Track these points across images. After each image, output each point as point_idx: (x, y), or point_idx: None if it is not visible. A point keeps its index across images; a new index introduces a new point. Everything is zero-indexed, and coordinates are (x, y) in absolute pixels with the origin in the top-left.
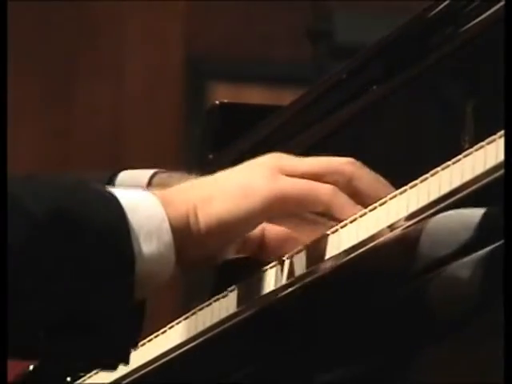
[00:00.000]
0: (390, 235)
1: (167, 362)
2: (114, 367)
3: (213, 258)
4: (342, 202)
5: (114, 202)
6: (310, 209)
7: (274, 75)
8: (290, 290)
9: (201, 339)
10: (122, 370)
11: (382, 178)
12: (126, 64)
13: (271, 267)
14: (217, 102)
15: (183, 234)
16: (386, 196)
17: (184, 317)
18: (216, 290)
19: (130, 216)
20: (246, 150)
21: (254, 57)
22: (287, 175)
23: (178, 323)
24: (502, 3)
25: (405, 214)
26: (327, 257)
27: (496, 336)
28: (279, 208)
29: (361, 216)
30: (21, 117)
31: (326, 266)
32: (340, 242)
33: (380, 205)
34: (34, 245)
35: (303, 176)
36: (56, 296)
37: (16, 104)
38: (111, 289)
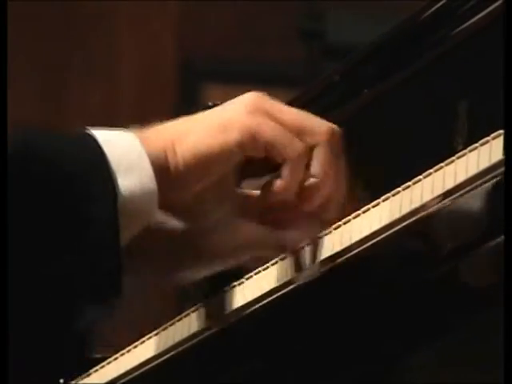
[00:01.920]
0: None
1: (141, 374)
2: (105, 303)
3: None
4: (300, 165)
5: (90, 138)
6: (272, 155)
7: (267, 76)
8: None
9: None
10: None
11: (343, 169)
12: (118, 65)
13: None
14: (210, 103)
15: (162, 168)
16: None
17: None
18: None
19: (108, 152)
20: None
21: (247, 57)
22: (268, 118)
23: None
24: (495, 4)
25: (398, 215)
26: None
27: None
28: (251, 146)
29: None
30: (11, 118)
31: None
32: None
33: (373, 206)
34: (8, 177)
35: (282, 124)
36: (36, 239)
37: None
38: (95, 226)
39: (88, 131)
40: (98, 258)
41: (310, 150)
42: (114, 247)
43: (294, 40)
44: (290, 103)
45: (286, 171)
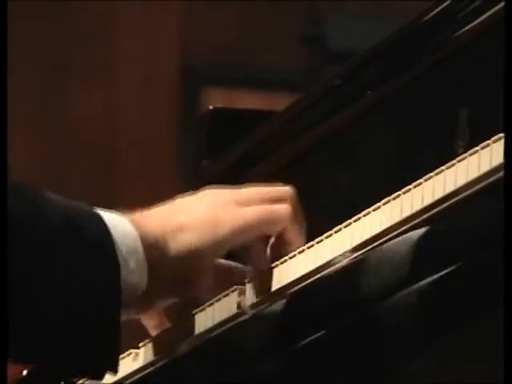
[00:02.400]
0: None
1: (148, 374)
2: (101, 376)
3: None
4: (299, 218)
5: (101, 220)
6: (272, 230)
7: (268, 80)
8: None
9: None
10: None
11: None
12: (119, 69)
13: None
14: (211, 108)
15: (154, 255)
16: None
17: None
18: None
19: (112, 232)
20: (240, 155)
21: (249, 62)
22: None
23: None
24: (495, 8)
25: (399, 218)
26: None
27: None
28: (245, 235)
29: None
30: (12, 122)
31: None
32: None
33: (374, 209)
34: (48, 249)
35: (256, 204)
36: (53, 299)
37: (8, 109)
38: (100, 298)
39: (97, 213)
40: (98, 331)
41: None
42: (115, 324)
43: (295, 45)
44: (292, 106)
45: (288, 233)
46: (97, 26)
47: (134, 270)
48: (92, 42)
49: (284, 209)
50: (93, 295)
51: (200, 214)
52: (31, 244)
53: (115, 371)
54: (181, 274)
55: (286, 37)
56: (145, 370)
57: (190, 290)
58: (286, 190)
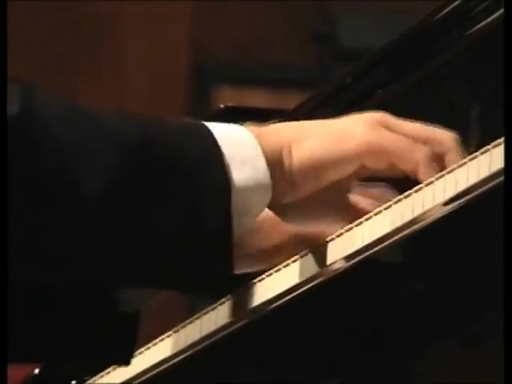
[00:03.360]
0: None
1: (159, 372)
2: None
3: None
4: (429, 169)
5: (205, 132)
6: (399, 165)
7: (279, 78)
8: (286, 299)
9: (191, 351)
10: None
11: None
12: (129, 68)
13: (267, 276)
14: (222, 106)
15: (276, 166)
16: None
17: (174, 329)
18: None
19: (223, 144)
20: None
21: (259, 60)
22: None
23: (168, 336)
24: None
25: (410, 217)
26: (328, 262)
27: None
28: (371, 157)
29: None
30: None
31: (326, 272)
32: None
33: (385, 208)
34: (125, 172)
35: (405, 135)
36: (146, 228)
37: None
38: (208, 218)
39: (203, 124)
40: (212, 250)
41: (440, 157)
42: (227, 240)
43: (305, 43)
44: (303, 105)
45: (421, 175)
46: (106, 24)
47: (253, 182)
48: (101, 40)
49: (420, 152)
50: (201, 214)
51: (330, 126)
52: (108, 172)
53: (229, 286)
54: (302, 192)
55: (297, 35)
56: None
57: (314, 211)
58: (447, 136)
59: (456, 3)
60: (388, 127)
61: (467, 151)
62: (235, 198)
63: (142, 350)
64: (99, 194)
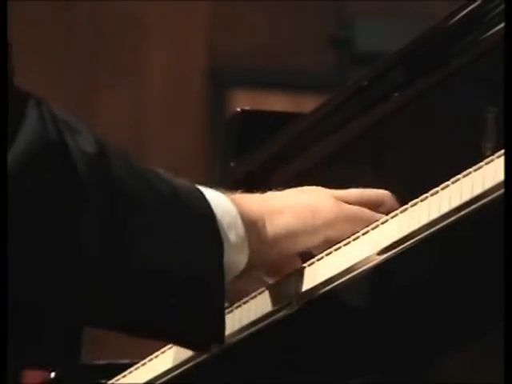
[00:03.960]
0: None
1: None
2: (208, 348)
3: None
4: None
5: (204, 196)
6: (359, 230)
7: (296, 82)
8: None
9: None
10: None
11: None
12: (147, 71)
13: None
14: (239, 110)
15: (252, 234)
16: None
17: None
18: None
19: (214, 208)
20: (267, 157)
21: (276, 64)
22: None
23: None
24: None
25: (426, 220)
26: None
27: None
28: (339, 228)
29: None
30: None
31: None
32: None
33: (401, 211)
34: (157, 219)
35: (356, 205)
36: (144, 281)
37: None
38: (202, 279)
39: (198, 189)
40: (205, 302)
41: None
42: (220, 300)
43: (322, 47)
44: (320, 108)
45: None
46: (124, 29)
47: (234, 246)
48: (120, 45)
49: (374, 216)
50: (198, 269)
51: (299, 200)
52: (141, 213)
53: (222, 342)
54: (274, 258)
55: (314, 39)
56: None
57: (275, 275)
58: (385, 194)
59: (472, 7)
60: (339, 199)
61: (483, 155)
62: (226, 255)
63: (158, 353)
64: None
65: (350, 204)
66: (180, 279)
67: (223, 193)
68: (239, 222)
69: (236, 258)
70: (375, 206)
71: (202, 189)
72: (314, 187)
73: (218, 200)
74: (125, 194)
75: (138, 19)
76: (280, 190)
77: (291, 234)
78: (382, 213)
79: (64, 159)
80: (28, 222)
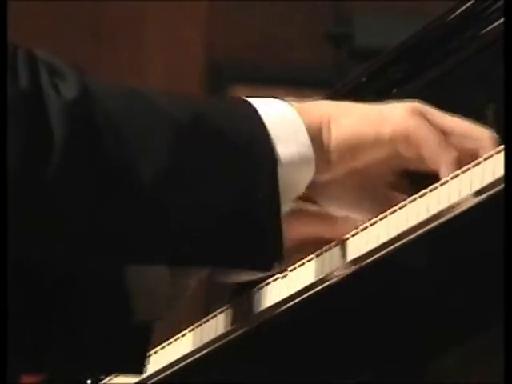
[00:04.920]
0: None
1: (178, 369)
2: (270, 268)
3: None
4: (450, 173)
5: (251, 110)
6: (425, 158)
7: (295, 78)
8: (293, 303)
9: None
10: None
11: None
12: (146, 67)
13: (274, 280)
14: None
15: (315, 141)
16: None
17: (189, 328)
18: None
19: (267, 122)
20: None
21: (275, 60)
22: (427, 122)
23: (183, 335)
24: None
25: (425, 216)
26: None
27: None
28: (404, 144)
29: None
30: None
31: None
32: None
33: (400, 207)
34: (179, 152)
35: (439, 127)
36: (199, 206)
37: None
38: (257, 196)
39: (248, 101)
40: (261, 224)
41: (471, 155)
42: (276, 216)
43: (321, 43)
44: None
45: (442, 175)
46: (124, 22)
47: (297, 159)
48: (118, 38)
49: (449, 154)
50: (250, 192)
51: (368, 108)
52: (160, 150)
53: (281, 261)
54: (337, 168)
55: (313, 35)
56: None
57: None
58: (485, 134)
59: (470, 3)
60: (427, 118)
61: None
62: (281, 174)
63: (157, 349)
64: (154, 178)
65: (436, 128)
66: (230, 208)
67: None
68: (302, 130)
69: (299, 171)
70: (467, 143)
71: (259, 101)
72: (401, 102)
73: (274, 111)
74: (117, 138)
75: (136, 16)
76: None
77: (354, 140)
78: (475, 151)
79: (35, 106)
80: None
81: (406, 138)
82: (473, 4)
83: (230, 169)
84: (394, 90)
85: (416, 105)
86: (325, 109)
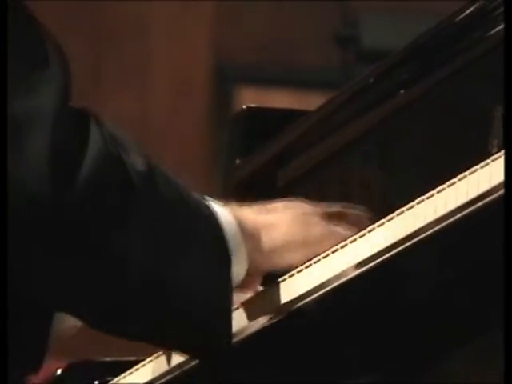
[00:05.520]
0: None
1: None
2: (215, 356)
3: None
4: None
5: (212, 210)
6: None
7: (302, 80)
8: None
9: None
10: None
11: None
12: (152, 69)
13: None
14: (244, 107)
15: (249, 246)
16: None
17: None
18: None
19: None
20: (273, 154)
21: (281, 61)
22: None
23: None
24: None
25: (433, 217)
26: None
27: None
28: (327, 243)
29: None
30: None
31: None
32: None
33: (407, 209)
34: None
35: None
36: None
37: None
38: (216, 285)
39: (208, 203)
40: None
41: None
42: (229, 300)
43: (328, 45)
44: (325, 105)
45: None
46: (130, 26)
47: (236, 257)
48: (125, 42)
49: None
50: (209, 282)
51: (291, 216)
52: (174, 232)
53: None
54: (268, 269)
55: (320, 36)
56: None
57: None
58: (362, 216)
59: (478, 3)
60: (320, 215)
61: (489, 152)
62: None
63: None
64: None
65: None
66: (190, 294)
67: (221, 204)
68: (238, 234)
69: (236, 268)
70: (351, 223)
71: (211, 204)
72: (297, 202)
73: (220, 213)
74: (165, 213)
75: (142, 18)
76: (265, 201)
77: (285, 247)
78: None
79: (124, 177)
80: (87, 235)
81: (329, 238)
82: (481, 4)
83: (199, 257)
84: (401, 91)
85: (313, 208)
86: (254, 217)
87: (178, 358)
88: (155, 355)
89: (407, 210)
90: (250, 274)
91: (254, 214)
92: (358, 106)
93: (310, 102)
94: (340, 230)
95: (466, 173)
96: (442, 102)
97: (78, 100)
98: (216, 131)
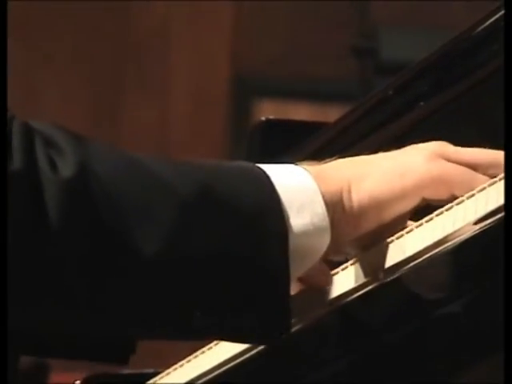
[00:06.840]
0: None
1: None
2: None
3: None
4: None
5: (263, 179)
6: (459, 195)
7: (320, 92)
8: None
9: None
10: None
11: None
12: (172, 81)
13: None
14: (263, 119)
15: (336, 209)
16: None
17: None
18: None
19: (281, 190)
20: None
21: (300, 74)
22: (448, 161)
23: None
24: None
25: (451, 230)
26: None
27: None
28: (433, 190)
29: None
30: None
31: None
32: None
33: (427, 221)
34: (183, 225)
35: (463, 164)
36: (204, 277)
37: (62, 122)
38: (264, 268)
39: (260, 168)
40: (269, 299)
41: None
42: (284, 288)
43: (347, 56)
44: (344, 118)
45: None
46: (149, 40)
47: (311, 227)
48: (145, 55)
49: (483, 181)
50: (259, 264)
51: (385, 163)
52: (165, 226)
53: (288, 331)
54: (364, 230)
55: (338, 49)
56: None
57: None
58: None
59: (496, 16)
60: (448, 157)
61: None
62: (295, 243)
63: (183, 362)
64: (156, 253)
65: (466, 163)
66: (238, 279)
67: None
68: (318, 199)
69: (313, 240)
70: (490, 170)
71: (272, 168)
72: (411, 146)
73: (288, 179)
74: (116, 215)
75: (162, 31)
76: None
77: (377, 201)
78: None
79: (30, 187)
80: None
81: (435, 184)
82: (499, 17)
83: (238, 242)
84: (420, 103)
85: (435, 146)
86: (344, 173)
87: (195, 371)
88: (173, 367)
89: (426, 222)
90: (340, 241)
91: (341, 169)
92: (378, 117)
93: (329, 114)
94: (455, 171)
95: (486, 184)
96: (461, 114)
97: (98, 113)
98: (235, 143)
